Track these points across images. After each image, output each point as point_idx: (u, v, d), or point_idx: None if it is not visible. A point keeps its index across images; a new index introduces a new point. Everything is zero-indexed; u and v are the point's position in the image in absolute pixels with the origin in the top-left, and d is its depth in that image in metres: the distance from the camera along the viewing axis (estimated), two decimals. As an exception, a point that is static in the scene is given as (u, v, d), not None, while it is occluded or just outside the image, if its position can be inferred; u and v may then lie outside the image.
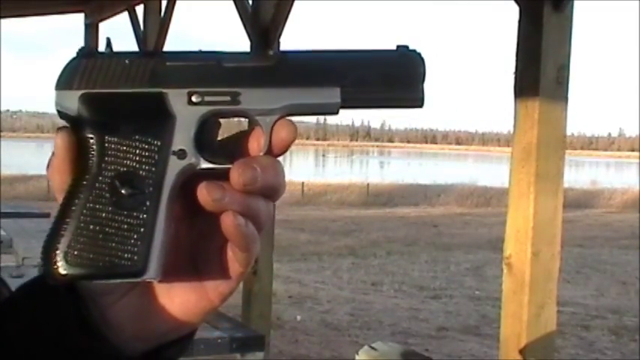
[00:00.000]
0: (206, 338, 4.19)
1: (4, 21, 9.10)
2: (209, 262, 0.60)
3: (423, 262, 13.13)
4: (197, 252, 0.61)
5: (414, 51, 0.59)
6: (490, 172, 45.46)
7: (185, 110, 0.56)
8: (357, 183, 30.96)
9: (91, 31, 8.82)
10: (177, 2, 7.18)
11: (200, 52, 0.58)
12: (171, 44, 8.76)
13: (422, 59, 0.59)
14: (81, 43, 8.25)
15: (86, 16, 8.83)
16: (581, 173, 57.33)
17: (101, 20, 8.74)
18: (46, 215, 9.03)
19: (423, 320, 8.77)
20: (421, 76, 0.58)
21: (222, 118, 0.59)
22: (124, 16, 8.02)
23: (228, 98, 0.57)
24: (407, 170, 56.55)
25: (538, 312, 3.36)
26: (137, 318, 0.61)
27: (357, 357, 4.29)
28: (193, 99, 0.57)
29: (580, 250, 14.55)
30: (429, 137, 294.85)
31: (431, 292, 10.47)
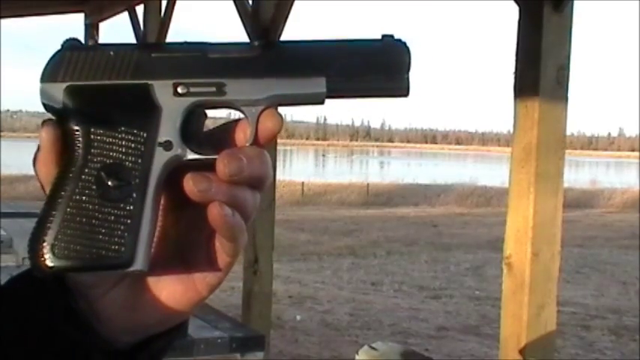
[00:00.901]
0: (206, 338, 4.19)
1: (4, 21, 9.10)
2: (197, 253, 0.60)
3: (423, 262, 13.13)
4: (184, 243, 0.61)
5: (400, 40, 0.59)
6: (490, 172, 45.45)
7: (171, 101, 0.56)
8: (357, 183, 30.95)
9: (91, 31, 8.81)
10: (177, 2, 7.17)
11: (185, 43, 0.58)
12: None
13: (407, 48, 0.59)
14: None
15: (86, 16, 8.82)
16: (581, 173, 57.25)
17: (101, 20, 8.73)
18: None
19: (423, 320, 8.77)
20: (406, 66, 0.58)
21: (207, 108, 0.59)
22: (124, 16, 8.01)
23: (213, 89, 0.57)
24: (407, 170, 56.51)
25: (538, 312, 3.35)
26: (126, 310, 0.61)
27: (357, 357, 4.27)
28: (179, 90, 0.56)
29: (580, 250, 14.54)
30: (429, 137, 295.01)
31: (431, 292, 10.46)
